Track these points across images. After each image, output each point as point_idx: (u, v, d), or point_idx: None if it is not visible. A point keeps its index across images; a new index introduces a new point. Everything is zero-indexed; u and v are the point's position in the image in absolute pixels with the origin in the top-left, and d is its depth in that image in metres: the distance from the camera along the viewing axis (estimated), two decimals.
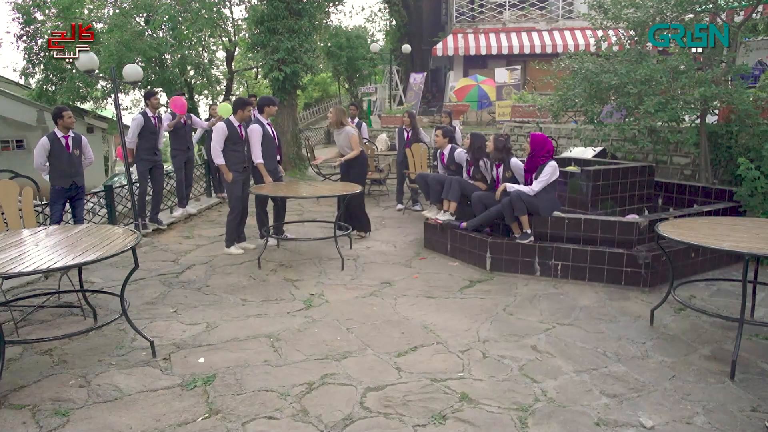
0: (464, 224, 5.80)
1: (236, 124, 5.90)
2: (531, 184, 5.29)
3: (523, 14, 19.75)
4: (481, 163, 6.14)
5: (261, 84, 25.40)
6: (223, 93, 19.79)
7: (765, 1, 6.83)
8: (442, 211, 6.10)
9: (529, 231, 5.33)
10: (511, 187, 5.34)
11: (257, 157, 6.05)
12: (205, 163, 9.28)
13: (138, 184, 7.08)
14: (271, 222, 6.48)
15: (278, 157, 6.39)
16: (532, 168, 5.33)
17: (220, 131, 5.80)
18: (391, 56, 21.59)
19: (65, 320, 4.26)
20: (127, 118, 11.67)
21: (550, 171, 5.21)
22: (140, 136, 6.98)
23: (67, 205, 6.00)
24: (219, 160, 5.82)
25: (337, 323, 4.20)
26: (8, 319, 4.08)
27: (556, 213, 5.39)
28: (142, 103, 7.40)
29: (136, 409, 3.00)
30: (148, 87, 17.48)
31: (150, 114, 6.99)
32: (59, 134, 5.77)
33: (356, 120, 9.09)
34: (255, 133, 6.01)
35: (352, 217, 6.60)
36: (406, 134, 8.33)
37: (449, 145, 6.69)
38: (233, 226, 6.12)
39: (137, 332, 3.71)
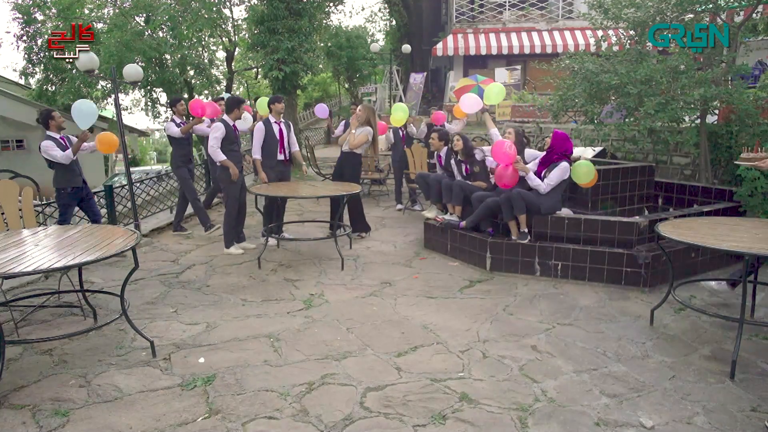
0: (463, 223, 5.80)
1: (231, 123, 5.91)
2: (541, 176, 5.30)
3: (523, 14, 19.75)
4: (476, 153, 6.17)
5: (261, 84, 25.41)
6: (223, 93, 19.79)
7: (765, 1, 6.83)
8: (449, 214, 6.14)
9: (526, 230, 5.33)
10: (531, 178, 5.31)
11: (255, 153, 6.17)
12: (205, 164, 9.28)
13: (186, 190, 6.95)
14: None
15: (283, 156, 6.34)
16: (546, 162, 5.35)
17: (218, 131, 5.75)
18: (391, 56, 21.57)
19: (65, 320, 4.26)
20: (127, 119, 11.66)
21: (560, 173, 5.21)
22: (172, 143, 6.96)
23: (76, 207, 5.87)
24: (221, 156, 5.75)
25: (337, 323, 4.20)
26: (8, 319, 4.08)
27: (557, 213, 5.38)
28: (169, 111, 7.32)
29: (136, 409, 3.00)
30: (149, 87, 17.50)
31: (178, 121, 6.89)
32: (56, 135, 5.54)
33: None
34: (258, 130, 6.20)
35: (350, 218, 6.59)
36: (401, 133, 8.34)
37: (445, 147, 6.70)
38: (230, 227, 6.12)
39: (137, 332, 3.71)
